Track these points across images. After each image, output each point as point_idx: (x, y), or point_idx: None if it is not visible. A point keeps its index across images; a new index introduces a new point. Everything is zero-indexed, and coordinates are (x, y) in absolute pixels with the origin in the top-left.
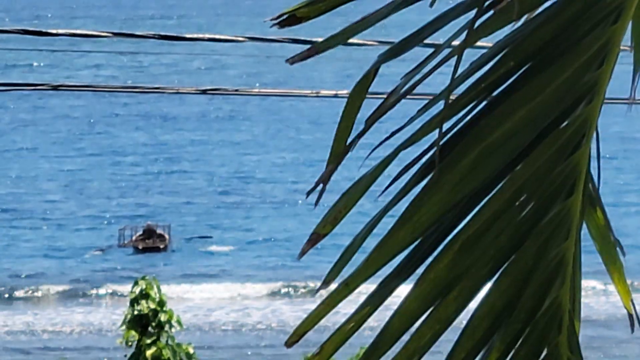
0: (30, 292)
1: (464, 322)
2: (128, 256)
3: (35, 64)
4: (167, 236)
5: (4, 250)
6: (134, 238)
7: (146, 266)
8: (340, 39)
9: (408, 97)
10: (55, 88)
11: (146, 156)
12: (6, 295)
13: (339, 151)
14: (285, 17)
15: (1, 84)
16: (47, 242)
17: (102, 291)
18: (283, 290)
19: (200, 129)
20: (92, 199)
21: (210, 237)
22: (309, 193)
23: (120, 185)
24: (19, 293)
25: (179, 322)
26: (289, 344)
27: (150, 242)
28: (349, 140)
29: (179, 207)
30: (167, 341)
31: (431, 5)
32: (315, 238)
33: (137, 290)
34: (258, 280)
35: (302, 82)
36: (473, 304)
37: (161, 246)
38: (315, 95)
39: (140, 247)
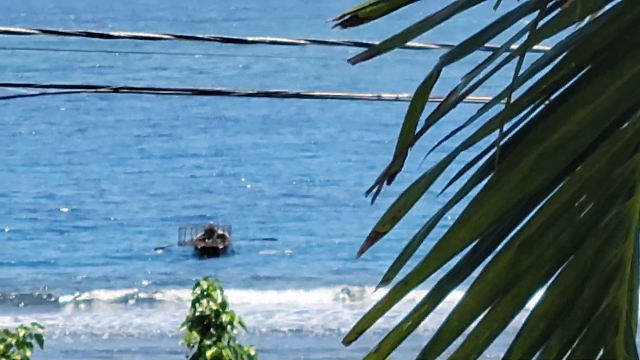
0: (90, 293)
1: (521, 323)
2: (188, 256)
3: (97, 65)
4: (228, 237)
5: (65, 252)
6: (194, 238)
7: (206, 267)
8: (401, 39)
9: (464, 100)
10: (117, 90)
11: (208, 158)
12: (67, 298)
13: (402, 152)
14: (347, 17)
15: (64, 86)
16: (108, 244)
17: (161, 292)
18: (342, 293)
19: (262, 132)
20: (153, 200)
21: (274, 239)
22: (368, 192)
23: (182, 187)
24: (79, 295)
25: (241, 324)
26: (347, 342)
27: (210, 242)
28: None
29: (241, 209)
30: (228, 342)
31: (496, 7)
32: (373, 237)
33: (199, 290)
34: (318, 282)
35: (364, 85)
36: (530, 304)
37: (221, 247)
38: (376, 98)
39: (199, 246)
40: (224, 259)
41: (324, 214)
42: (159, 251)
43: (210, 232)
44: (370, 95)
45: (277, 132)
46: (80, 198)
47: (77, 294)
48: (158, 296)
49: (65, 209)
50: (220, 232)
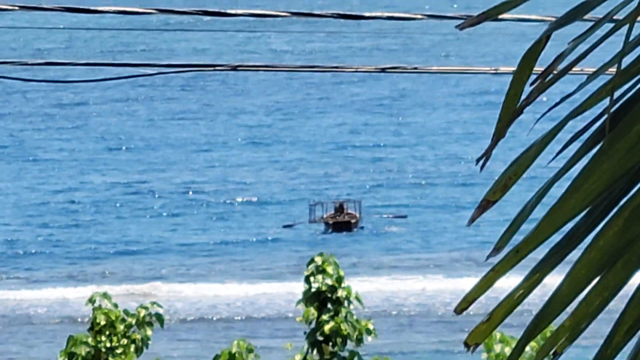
0: (214, 266)
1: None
2: (317, 233)
3: (210, 45)
4: (357, 214)
5: (193, 227)
6: (325, 215)
7: (335, 243)
8: (510, 5)
9: (571, 72)
10: (235, 69)
11: (335, 136)
12: (191, 271)
13: (507, 119)
14: None
15: (181, 65)
16: (243, 220)
17: (288, 268)
18: (465, 268)
19: (383, 108)
20: (283, 179)
21: (405, 216)
22: (478, 160)
23: (310, 165)
24: (200, 269)
25: (358, 299)
26: (459, 310)
27: (341, 218)
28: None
29: (372, 187)
30: (345, 317)
31: None
32: (484, 205)
33: (313, 267)
34: (442, 259)
35: (479, 59)
36: None
37: (352, 221)
38: (494, 72)
39: (330, 222)
40: (354, 233)
41: (448, 188)
42: (288, 227)
43: (340, 209)
44: (488, 68)
45: (397, 108)
46: (209, 181)
47: (199, 266)
48: (285, 268)
49: (197, 189)
50: (350, 210)
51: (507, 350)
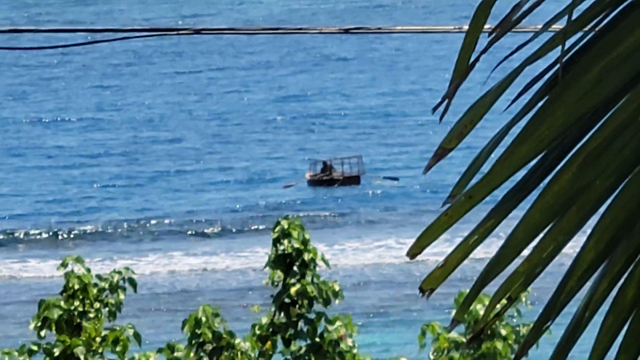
0: (215, 227)
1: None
2: (306, 190)
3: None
4: (355, 173)
5: (205, 185)
6: (318, 172)
7: (330, 199)
8: None
9: (525, 29)
10: (198, 32)
11: (328, 95)
12: (189, 232)
13: (463, 67)
14: None
15: (143, 29)
16: (241, 176)
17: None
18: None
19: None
20: (287, 137)
21: (397, 178)
22: (435, 109)
23: (307, 123)
24: (199, 228)
25: (324, 261)
26: (411, 255)
27: (340, 174)
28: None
29: (367, 144)
30: (312, 279)
31: None
32: (440, 153)
33: (279, 230)
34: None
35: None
36: (595, 218)
37: (349, 177)
38: (457, 30)
39: (322, 179)
40: (348, 192)
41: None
42: (288, 187)
43: (325, 168)
44: (452, 27)
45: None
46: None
47: (197, 227)
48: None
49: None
50: (344, 168)
51: (479, 307)
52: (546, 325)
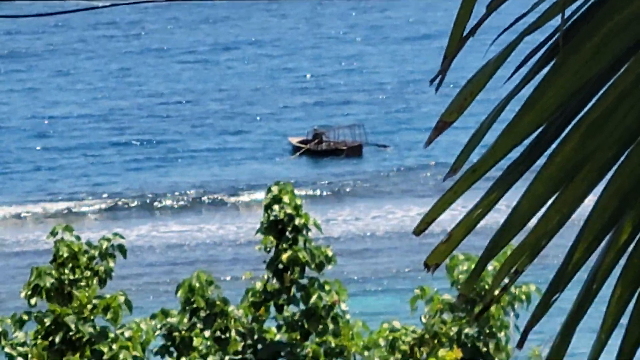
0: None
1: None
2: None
3: None
4: (356, 140)
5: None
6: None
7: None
8: None
9: None
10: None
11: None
12: (229, 199)
13: (458, 37)
14: None
15: None
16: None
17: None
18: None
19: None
20: (285, 98)
21: (387, 146)
22: (432, 81)
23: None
24: (204, 196)
25: (316, 226)
26: (417, 231)
27: (342, 144)
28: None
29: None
30: (304, 245)
31: None
32: (441, 126)
33: (271, 196)
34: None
35: None
36: (600, 187)
37: (350, 147)
38: None
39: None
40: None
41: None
42: (293, 158)
43: (317, 136)
44: None
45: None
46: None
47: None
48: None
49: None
50: (347, 134)
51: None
52: (554, 297)
